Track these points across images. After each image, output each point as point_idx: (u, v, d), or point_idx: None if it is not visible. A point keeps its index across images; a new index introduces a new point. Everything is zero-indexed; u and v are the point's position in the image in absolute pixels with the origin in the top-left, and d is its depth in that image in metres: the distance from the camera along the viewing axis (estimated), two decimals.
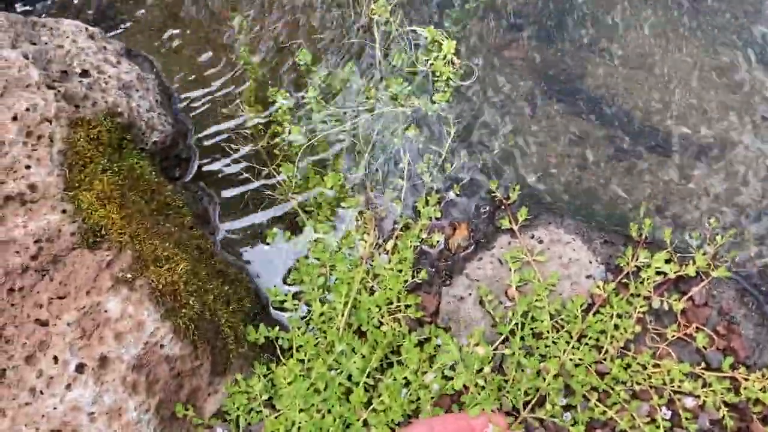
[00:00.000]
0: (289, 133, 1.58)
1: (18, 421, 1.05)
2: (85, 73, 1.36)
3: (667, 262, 1.32)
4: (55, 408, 1.05)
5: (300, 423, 1.17)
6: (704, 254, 1.32)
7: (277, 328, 1.33)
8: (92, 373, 1.06)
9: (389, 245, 1.44)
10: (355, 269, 1.40)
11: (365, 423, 1.18)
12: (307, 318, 1.37)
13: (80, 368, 1.06)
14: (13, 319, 1.08)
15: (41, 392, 1.05)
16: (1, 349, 1.07)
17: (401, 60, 1.63)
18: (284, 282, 1.45)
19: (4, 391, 1.06)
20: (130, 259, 1.14)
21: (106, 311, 1.09)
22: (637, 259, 1.32)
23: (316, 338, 1.31)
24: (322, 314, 1.36)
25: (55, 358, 1.06)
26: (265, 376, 1.24)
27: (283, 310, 1.41)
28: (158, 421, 1.10)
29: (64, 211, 1.13)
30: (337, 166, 1.56)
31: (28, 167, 1.14)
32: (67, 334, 1.07)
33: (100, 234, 1.15)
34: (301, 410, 1.18)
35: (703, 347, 1.26)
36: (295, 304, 1.39)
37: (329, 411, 1.19)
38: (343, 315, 1.33)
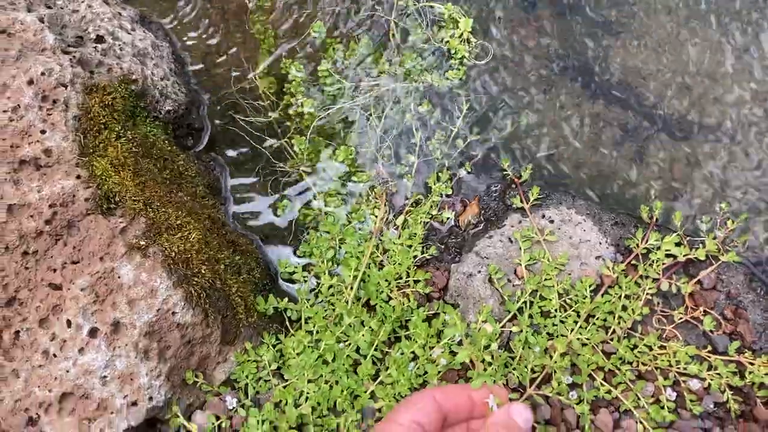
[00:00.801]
0: (302, 105, 1.58)
1: (31, 383, 1.06)
2: (99, 39, 1.36)
3: (677, 245, 1.32)
4: (67, 371, 1.06)
5: (308, 393, 1.18)
6: (714, 238, 1.32)
7: (286, 299, 1.34)
8: (105, 338, 1.07)
9: (399, 221, 1.45)
10: (364, 243, 1.41)
11: (372, 395, 1.19)
12: (316, 290, 1.37)
13: (93, 333, 1.07)
14: (27, 282, 1.09)
15: (54, 355, 1.07)
16: (15, 312, 1.08)
17: (416, 36, 1.62)
18: (294, 254, 1.46)
19: (18, 352, 1.07)
20: (144, 227, 1.15)
21: (119, 277, 1.09)
22: (647, 241, 1.32)
23: (325, 310, 1.32)
24: (331, 287, 1.36)
25: (69, 322, 1.07)
26: (274, 346, 1.25)
27: (292, 282, 1.42)
28: (169, 387, 1.11)
29: (78, 177, 1.14)
30: (348, 140, 1.55)
31: (43, 132, 1.14)
32: (80, 298, 1.07)
33: (114, 200, 1.16)
34: (309, 381, 1.20)
35: (710, 331, 1.26)
36: (304, 277, 1.40)
37: (337, 382, 1.20)
38: (351, 288, 1.34)
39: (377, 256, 1.40)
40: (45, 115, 1.16)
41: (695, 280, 1.30)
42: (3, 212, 1.09)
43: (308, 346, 1.24)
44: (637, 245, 1.32)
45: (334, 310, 1.32)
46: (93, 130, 1.20)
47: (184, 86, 1.52)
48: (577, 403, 1.17)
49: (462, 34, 1.59)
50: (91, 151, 1.18)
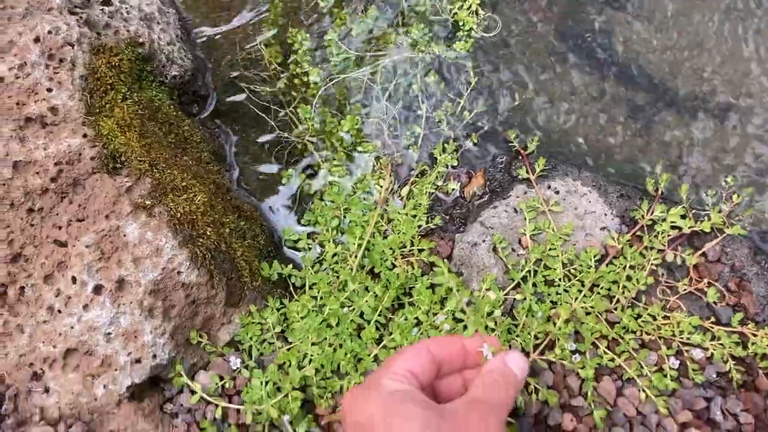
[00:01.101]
0: (308, 75, 1.57)
1: (36, 338, 1.07)
2: (106, 2, 1.35)
3: (683, 217, 1.32)
4: (72, 327, 1.06)
5: (312, 355, 1.18)
6: (719, 212, 1.32)
7: (291, 266, 1.34)
8: (110, 295, 1.07)
9: (404, 191, 1.44)
10: (369, 213, 1.40)
11: (376, 359, 1.19)
12: (320, 258, 1.37)
13: (98, 290, 1.07)
14: (33, 239, 1.09)
15: (59, 311, 1.07)
16: (21, 268, 1.08)
17: (424, 6, 1.62)
18: (298, 223, 1.46)
19: (23, 308, 1.08)
20: (150, 187, 1.15)
21: (124, 235, 1.09)
22: (652, 213, 1.32)
23: (329, 277, 1.32)
24: (335, 255, 1.36)
25: (74, 279, 1.07)
26: (278, 310, 1.25)
27: (296, 249, 1.42)
28: (173, 346, 1.12)
29: (84, 136, 1.13)
30: (354, 110, 1.55)
31: (49, 90, 1.14)
32: (85, 255, 1.07)
33: (119, 160, 1.15)
34: (313, 343, 1.20)
35: (714, 302, 1.26)
36: (308, 244, 1.40)
37: (341, 345, 1.20)
38: (356, 256, 1.34)
39: (382, 226, 1.40)
40: (51, 73, 1.15)
41: (700, 252, 1.30)
42: (9, 169, 1.09)
43: (312, 311, 1.24)
44: (643, 217, 1.32)
45: (338, 277, 1.32)
46: (99, 90, 1.20)
47: (190, 53, 1.51)
48: (581, 368, 1.17)
49: (470, 6, 1.59)
50: (98, 111, 1.18)
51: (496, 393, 0.81)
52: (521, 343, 1.20)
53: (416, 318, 1.23)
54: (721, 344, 1.21)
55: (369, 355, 1.18)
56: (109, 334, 1.06)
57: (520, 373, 0.83)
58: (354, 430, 0.78)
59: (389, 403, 0.76)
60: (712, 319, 1.25)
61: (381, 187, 1.45)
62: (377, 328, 1.23)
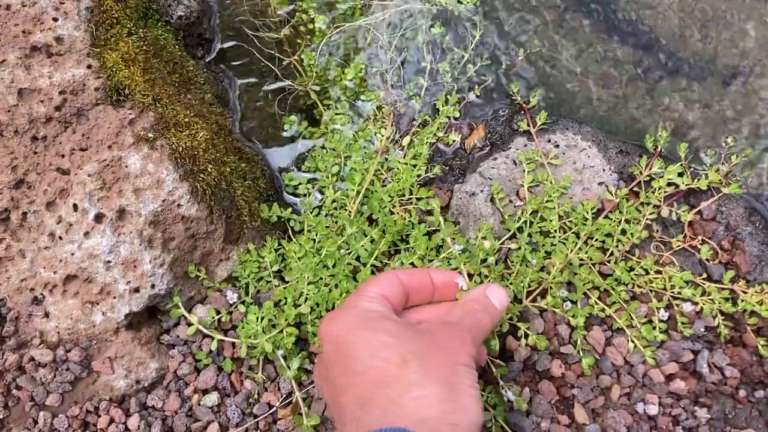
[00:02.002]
0: (314, 22, 1.57)
1: (37, 263, 1.08)
2: None
3: (680, 174, 1.32)
4: (72, 254, 1.08)
5: (307, 294, 1.20)
6: (717, 171, 1.33)
7: (290, 210, 1.36)
8: (110, 224, 1.08)
9: (405, 141, 1.45)
10: (369, 161, 1.41)
11: None
12: (320, 204, 1.39)
13: (99, 218, 1.09)
14: (36, 166, 1.10)
15: (60, 238, 1.08)
16: (23, 194, 1.10)
17: None
18: (299, 169, 1.47)
19: (24, 234, 1.09)
20: (153, 120, 1.16)
21: (126, 166, 1.11)
22: (650, 169, 1.33)
23: (328, 222, 1.33)
24: (334, 201, 1.38)
25: (75, 206, 1.09)
26: (276, 250, 1.27)
27: (296, 195, 1.44)
28: (171, 278, 1.13)
29: (89, 67, 1.14)
30: (358, 59, 1.55)
31: (55, 19, 1.14)
32: (87, 184, 1.09)
33: (123, 93, 1.16)
34: (309, 283, 1.22)
35: (707, 259, 1.28)
36: (308, 190, 1.41)
37: (336, 286, 1.22)
38: (355, 202, 1.35)
39: (381, 174, 1.41)
40: (58, 3, 1.16)
41: (696, 210, 1.31)
42: (14, 96, 1.10)
43: (310, 252, 1.26)
44: (640, 172, 1.33)
45: (336, 222, 1.33)
46: (105, 23, 1.20)
47: None
48: (572, 317, 1.19)
49: None
50: (103, 43, 1.19)
51: (472, 318, 0.83)
52: (514, 291, 1.22)
53: (411, 263, 1.25)
54: (711, 300, 1.23)
55: None
56: (109, 262, 1.08)
57: (499, 304, 0.86)
58: (330, 349, 0.80)
59: (364, 319, 0.79)
60: (704, 275, 1.27)
61: (382, 136, 1.45)
62: (372, 272, 1.25)
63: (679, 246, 1.29)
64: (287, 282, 1.24)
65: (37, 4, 1.14)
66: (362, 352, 0.76)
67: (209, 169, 1.19)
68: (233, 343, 1.18)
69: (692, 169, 1.35)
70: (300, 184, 1.42)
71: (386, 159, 1.43)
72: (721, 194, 1.32)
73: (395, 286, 0.86)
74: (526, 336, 1.16)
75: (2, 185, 1.08)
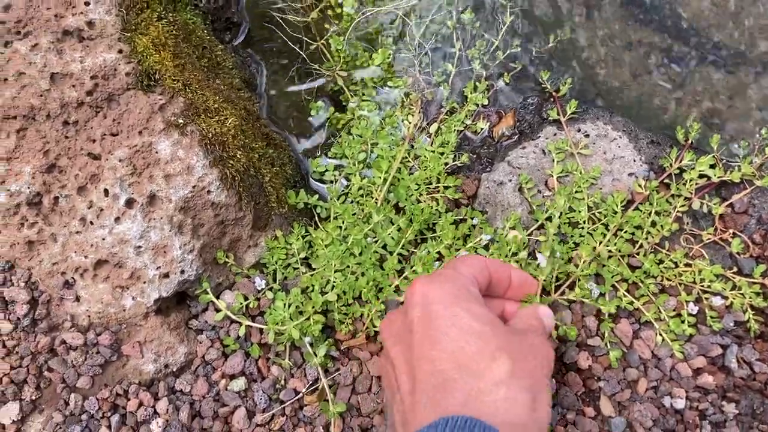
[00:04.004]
0: (342, 6, 1.56)
1: (68, 248, 1.09)
2: None
3: (712, 166, 1.31)
4: (103, 239, 1.09)
5: (334, 282, 1.20)
6: (750, 163, 1.31)
7: (317, 197, 1.36)
8: (141, 209, 1.09)
9: (433, 128, 1.44)
10: (396, 148, 1.41)
11: (397, 289, 1.21)
12: (346, 191, 1.39)
13: (129, 203, 1.10)
14: (67, 150, 1.11)
15: (91, 222, 1.09)
16: (55, 178, 1.10)
17: None
18: (325, 156, 1.47)
19: (56, 218, 1.10)
20: (183, 106, 1.16)
21: (156, 152, 1.11)
22: (681, 161, 1.31)
23: (354, 209, 1.33)
24: (360, 188, 1.37)
25: (106, 191, 1.09)
26: (303, 237, 1.27)
27: (322, 182, 1.43)
28: (200, 263, 1.14)
29: (120, 51, 1.14)
30: (386, 44, 1.54)
31: (87, 3, 1.14)
32: (118, 169, 1.09)
33: (154, 78, 1.16)
34: (336, 270, 1.22)
35: (737, 253, 1.26)
36: (335, 176, 1.41)
37: (363, 274, 1.22)
38: (381, 190, 1.34)
39: (408, 162, 1.40)
40: None
41: (727, 202, 1.29)
42: (46, 81, 1.10)
43: (336, 239, 1.26)
44: (671, 164, 1.31)
45: (363, 209, 1.33)
46: (135, 7, 1.20)
47: None
48: (602, 305, 1.18)
49: None
50: (133, 28, 1.18)
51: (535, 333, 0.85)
52: (542, 283, 1.21)
53: (438, 252, 1.25)
54: (741, 294, 1.21)
55: (390, 285, 1.20)
56: (139, 247, 1.09)
57: (547, 325, 0.87)
58: (419, 311, 0.78)
59: (459, 296, 0.78)
60: (734, 269, 1.25)
61: (409, 123, 1.44)
62: (399, 261, 1.25)
63: (709, 239, 1.28)
64: (314, 269, 1.24)
65: None
66: (453, 331, 0.75)
67: (238, 156, 1.19)
68: (260, 329, 1.19)
69: (724, 161, 1.33)
70: (326, 170, 1.42)
71: (413, 146, 1.42)
72: (753, 187, 1.30)
73: (484, 272, 0.85)
74: (556, 327, 1.16)
75: (34, 169, 1.09)
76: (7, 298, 1.08)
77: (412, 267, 1.23)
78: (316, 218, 1.35)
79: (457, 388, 0.71)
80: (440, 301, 0.78)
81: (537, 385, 0.74)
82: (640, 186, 1.30)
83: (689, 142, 1.34)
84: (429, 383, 0.73)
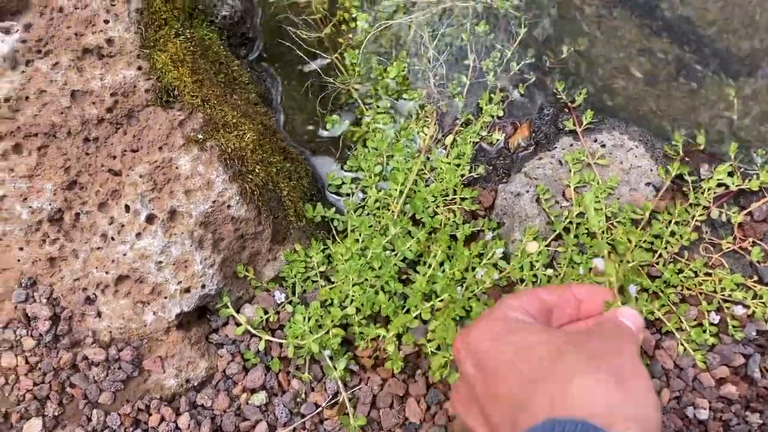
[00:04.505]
0: (356, 20, 1.57)
1: (89, 264, 1.10)
2: None
3: (730, 174, 1.30)
4: (124, 254, 1.09)
5: (353, 295, 1.20)
6: None
7: (333, 210, 1.36)
8: (161, 225, 1.10)
9: (448, 140, 1.44)
10: (412, 160, 1.41)
11: (418, 317, 1.20)
12: (363, 204, 1.39)
13: (150, 219, 1.10)
14: (88, 167, 1.12)
15: (112, 238, 1.10)
16: (76, 195, 1.11)
17: None
18: (341, 168, 1.47)
19: (77, 234, 1.11)
20: (202, 121, 1.16)
21: (177, 167, 1.11)
22: (699, 170, 1.31)
23: (371, 221, 1.33)
24: (377, 201, 1.37)
25: (127, 207, 1.10)
26: (322, 251, 1.27)
27: (338, 195, 1.44)
28: (221, 277, 1.14)
29: (139, 68, 1.15)
30: (401, 57, 1.54)
31: (106, 21, 1.15)
32: (138, 185, 1.10)
33: (173, 94, 1.17)
34: (354, 284, 1.22)
35: (758, 261, 1.26)
36: (351, 189, 1.41)
37: (382, 288, 1.22)
38: (398, 202, 1.35)
39: (425, 174, 1.40)
40: (108, 5, 1.17)
41: (746, 211, 1.29)
42: (67, 98, 1.11)
43: (356, 254, 1.26)
44: (690, 173, 1.31)
45: (380, 222, 1.33)
46: (154, 24, 1.21)
47: None
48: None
49: None
50: (152, 44, 1.19)
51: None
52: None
53: (453, 273, 1.24)
54: (762, 303, 1.21)
55: (416, 306, 1.19)
56: (160, 262, 1.09)
57: (634, 326, 0.76)
58: (470, 363, 0.72)
59: (506, 327, 0.72)
60: (755, 278, 1.24)
61: (425, 135, 1.45)
62: (415, 270, 1.24)
63: (729, 248, 1.27)
64: (333, 282, 1.25)
65: (89, 6, 1.15)
66: (509, 356, 0.68)
67: (257, 170, 1.20)
68: (280, 343, 1.19)
69: (742, 169, 1.33)
70: (343, 183, 1.42)
71: (429, 158, 1.42)
72: None
73: (535, 302, 0.77)
74: None
75: (56, 186, 1.10)
76: (29, 315, 1.09)
77: (440, 297, 1.21)
78: (334, 231, 1.35)
79: (534, 403, 0.64)
80: (487, 340, 0.72)
81: (619, 363, 0.65)
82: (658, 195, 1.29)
83: (707, 150, 1.33)
84: (508, 421, 0.66)
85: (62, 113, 1.11)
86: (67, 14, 1.14)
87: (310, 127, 1.52)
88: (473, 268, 1.24)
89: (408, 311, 1.19)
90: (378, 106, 1.51)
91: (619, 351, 0.67)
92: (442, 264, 1.25)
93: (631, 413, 0.61)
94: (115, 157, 1.12)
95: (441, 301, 1.20)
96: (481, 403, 0.71)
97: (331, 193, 1.45)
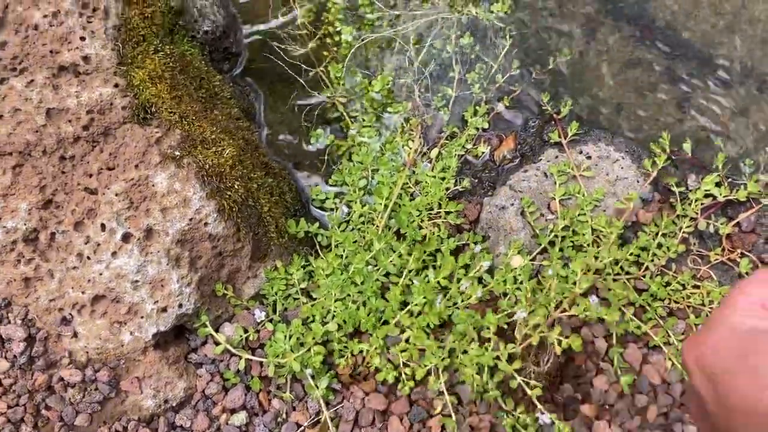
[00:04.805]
0: (340, 34, 1.56)
1: (65, 284, 1.08)
2: None
3: (717, 185, 1.28)
4: (100, 274, 1.08)
5: (335, 311, 1.18)
6: (756, 181, 1.29)
7: (317, 225, 1.34)
8: (138, 243, 1.08)
9: (433, 153, 1.43)
10: (397, 174, 1.39)
11: (398, 324, 1.18)
12: (347, 218, 1.37)
13: (126, 238, 1.09)
14: (64, 186, 1.11)
15: (88, 258, 1.08)
16: (52, 214, 1.10)
17: None
18: (326, 183, 1.46)
19: (53, 254, 1.09)
20: (179, 138, 1.15)
21: (153, 185, 1.10)
22: (686, 181, 1.29)
23: (355, 236, 1.31)
24: (361, 215, 1.36)
25: (103, 226, 1.09)
26: (303, 267, 1.26)
27: (323, 209, 1.42)
28: (198, 296, 1.13)
29: (116, 85, 1.14)
30: (385, 70, 1.53)
31: (82, 38, 1.15)
32: (114, 203, 1.09)
33: (150, 111, 1.16)
34: (336, 299, 1.20)
35: (746, 273, 1.24)
36: (335, 204, 1.40)
37: (364, 303, 1.20)
38: (382, 217, 1.33)
39: (410, 187, 1.39)
40: (85, 22, 1.16)
41: (734, 222, 1.27)
42: (42, 116, 1.10)
43: (338, 269, 1.24)
44: (676, 184, 1.29)
45: (364, 237, 1.32)
46: (132, 41, 1.20)
47: (222, 9, 1.50)
48: (605, 336, 1.15)
49: None
50: (129, 61, 1.18)
51: None
52: (546, 306, 1.19)
53: (438, 281, 1.22)
54: None
55: (393, 318, 1.17)
56: (137, 281, 1.08)
57: None
58: (701, 382, 0.61)
59: (741, 341, 0.58)
60: None
61: (410, 148, 1.43)
62: (402, 292, 1.23)
63: (717, 259, 1.25)
64: (315, 299, 1.23)
65: (65, 24, 1.14)
66: (746, 384, 0.56)
67: (236, 186, 1.19)
68: (261, 362, 1.17)
69: (730, 179, 1.31)
70: (327, 198, 1.41)
71: (414, 172, 1.41)
72: (760, 205, 1.28)
73: None
74: (560, 342, 1.11)
75: (31, 205, 1.08)
76: (3, 336, 1.07)
77: (414, 302, 1.19)
78: (317, 247, 1.34)
79: None
80: (719, 358, 0.59)
81: None
82: (644, 207, 1.28)
83: (694, 160, 1.32)
84: None
85: (37, 131, 1.10)
86: (42, 31, 1.13)
87: (295, 142, 1.51)
88: (458, 279, 1.22)
89: (386, 322, 1.18)
90: (363, 120, 1.50)
91: None
92: (419, 272, 1.23)
93: None
94: (91, 176, 1.11)
95: (416, 305, 1.18)
96: (712, 423, 0.61)
97: (316, 207, 1.43)
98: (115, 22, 1.18)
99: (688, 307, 1.21)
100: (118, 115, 1.13)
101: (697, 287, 1.22)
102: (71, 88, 1.12)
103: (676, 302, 1.21)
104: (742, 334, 0.57)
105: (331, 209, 1.41)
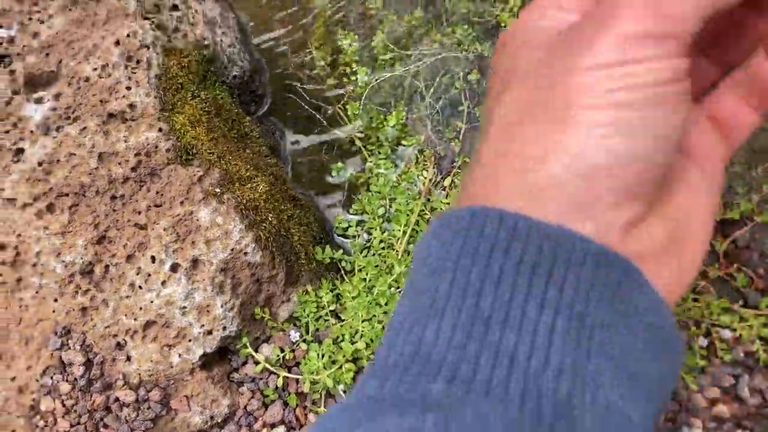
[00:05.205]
0: (356, 74, 1.68)
1: (119, 312, 1.19)
2: (174, 8, 1.48)
3: None
4: (151, 302, 1.18)
5: (362, 331, 1.29)
6: (749, 201, 1.39)
7: (341, 251, 1.45)
8: (185, 273, 1.19)
9: (447, 182, 1.54)
10: (413, 202, 1.50)
11: None
12: (368, 245, 1.48)
13: (174, 268, 1.19)
14: (116, 222, 1.21)
15: (140, 287, 1.19)
16: (105, 249, 1.21)
17: (467, 9, 1.71)
18: (347, 212, 1.57)
19: (107, 285, 1.20)
20: (218, 176, 1.26)
21: (197, 220, 1.21)
22: None
23: (377, 261, 1.42)
24: (382, 241, 1.47)
25: (153, 258, 1.19)
26: (331, 290, 1.36)
27: (345, 237, 1.53)
28: (240, 319, 1.23)
29: (160, 130, 1.25)
30: (399, 106, 1.65)
31: (128, 88, 1.26)
32: (163, 237, 1.19)
33: (191, 152, 1.27)
34: (363, 320, 1.30)
35: (743, 287, 1.34)
36: (357, 232, 1.51)
37: None
38: (402, 242, 1.44)
39: (426, 214, 1.49)
40: (130, 73, 1.28)
41: (730, 239, 1.37)
42: (95, 160, 1.21)
43: (363, 291, 1.35)
44: None
45: (385, 261, 1.42)
46: (172, 88, 1.32)
47: (248, 54, 1.63)
48: None
49: (512, 8, 1.67)
50: (170, 107, 1.30)
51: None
52: None
53: None
54: (749, 325, 1.28)
55: None
56: (185, 307, 1.18)
57: None
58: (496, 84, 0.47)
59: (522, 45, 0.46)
60: (741, 302, 1.32)
61: (425, 178, 1.55)
62: None
63: (715, 275, 1.35)
64: (343, 320, 1.33)
65: (112, 75, 1.26)
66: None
67: (270, 218, 1.30)
68: (297, 379, 1.27)
69: (725, 200, 1.41)
70: (349, 226, 1.52)
71: (429, 200, 1.51)
72: (754, 223, 1.38)
73: None
74: None
75: (86, 241, 1.19)
76: (65, 361, 1.17)
77: None
78: (342, 271, 1.44)
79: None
80: (500, 57, 0.48)
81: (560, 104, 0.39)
82: None
83: None
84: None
85: (90, 174, 1.21)
86: (92, 83, 1.25)
87: (317, 175, 1.62)
88: None
89: None
90: (379, 153, 1.61)
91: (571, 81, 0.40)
92: None
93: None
94: (140, 212, 1.22)
95: None
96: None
97: (339, 235, 1.54)
98: (157, 72, 1.30)
99: (689, 319, 1.30)
100: (162, 157, 1.24)
101: (697, 300, 1.32)
102: (120, 134, 1.24)
103: (677, 315, 1.31)
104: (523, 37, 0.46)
105: (353, 236, 1.51)
